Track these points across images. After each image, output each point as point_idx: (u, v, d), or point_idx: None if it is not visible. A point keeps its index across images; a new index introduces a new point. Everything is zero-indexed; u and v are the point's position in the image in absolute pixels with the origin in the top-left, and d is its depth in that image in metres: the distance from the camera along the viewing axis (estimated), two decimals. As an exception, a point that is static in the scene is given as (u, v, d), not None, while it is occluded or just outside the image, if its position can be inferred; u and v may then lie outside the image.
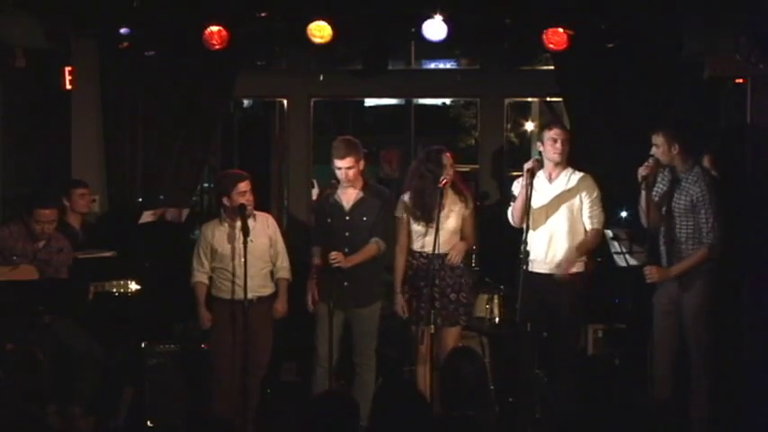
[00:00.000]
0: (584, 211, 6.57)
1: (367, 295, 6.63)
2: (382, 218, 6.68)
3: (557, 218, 6.54)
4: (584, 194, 6.57)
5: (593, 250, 6.66)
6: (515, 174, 6.85)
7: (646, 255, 6.43)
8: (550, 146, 6.52)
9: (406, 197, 6.64)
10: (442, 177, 6.44)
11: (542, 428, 6.57)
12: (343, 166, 6.55)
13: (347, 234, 6.58)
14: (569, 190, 6.57)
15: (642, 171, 6.28)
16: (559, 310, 6.54)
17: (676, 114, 7.58)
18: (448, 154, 6.55)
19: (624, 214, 7.46)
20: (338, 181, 6.68)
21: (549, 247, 6.54)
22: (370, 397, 6.49)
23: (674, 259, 6.32)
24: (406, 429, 4.22)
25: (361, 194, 6.62)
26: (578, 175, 6.66)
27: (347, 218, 6.60)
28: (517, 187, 6.65)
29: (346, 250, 6.49)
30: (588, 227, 6.59)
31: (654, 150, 6.32)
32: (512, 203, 6.65)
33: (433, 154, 6.56)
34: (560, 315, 6.55)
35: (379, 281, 6.76)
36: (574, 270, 6.57)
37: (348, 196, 6.65)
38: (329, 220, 6.61)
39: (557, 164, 6.58)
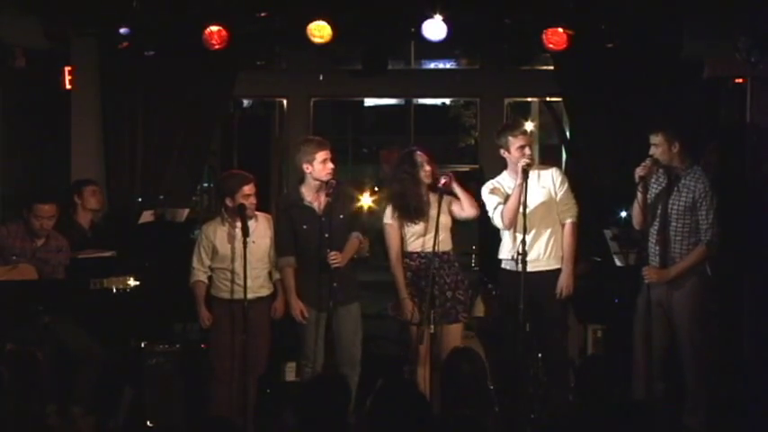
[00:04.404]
0: (559, 205, 6.55)
1: (351, 292, 6.60)
2: (356, 211, 6.67)
3: (536, 217, 6.49)
4: (556, 188, 6.55)
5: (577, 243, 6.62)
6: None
7: (639, 254, 6.43)
8: (519, 153, 6.43)
9: (389, 203, 6.59)
10: (443, 177, 6.45)
11: (540, 428, 6.57)
12: (328, 157, 6.51)
13: (327, 235, 6.45)
14: (542, 187, 6.55)
15: (639, 172, 6.27)
16: (546, 307, 6.53)
17: (676, 114, 7.59)
18: (420, 152, 6.54)
19: (624, 214, 7.47)
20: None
21: (531, 246, 6.48)
22: (353, 396, 6.53)
23: (668, 260, 6.32)
24: (405, 429, 4.22)
25: (330, 191, 6.46)
26: (547, 170, 6.63)
27: (322, 219, 6.49)
28: (492, 188, 6.63)
29: (329, 251, 6.46)
30: (564, 221, 6.55)
31: (653, 150, 6.31)
32: (492, 205, 6.61)
33: (406, 156, 6.57)
34: (547, 313, 6.54)
35: (357, 277, 6.75)
36: (557, 267, 6.56)
37: (315, 197, 6.53)
38: (305, 227, 6.52)
39: None
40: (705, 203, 6.22)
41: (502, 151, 6.55)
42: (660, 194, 6.38)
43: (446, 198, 6.47)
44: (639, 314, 6.37)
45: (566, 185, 6.58)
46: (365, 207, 6.71)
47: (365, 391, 4.50)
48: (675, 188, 6.31)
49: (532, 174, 6.53)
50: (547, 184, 6.56)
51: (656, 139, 6.31)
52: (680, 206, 6.28)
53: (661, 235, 6.34)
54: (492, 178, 6.82)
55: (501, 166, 6.68)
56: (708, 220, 6.22)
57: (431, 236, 6.41)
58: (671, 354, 6.35)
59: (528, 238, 6.41)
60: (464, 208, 6.52)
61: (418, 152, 6.54)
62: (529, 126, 14.92)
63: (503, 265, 6.63)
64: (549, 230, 6.54)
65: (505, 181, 6.61)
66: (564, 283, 6.51)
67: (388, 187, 6.67)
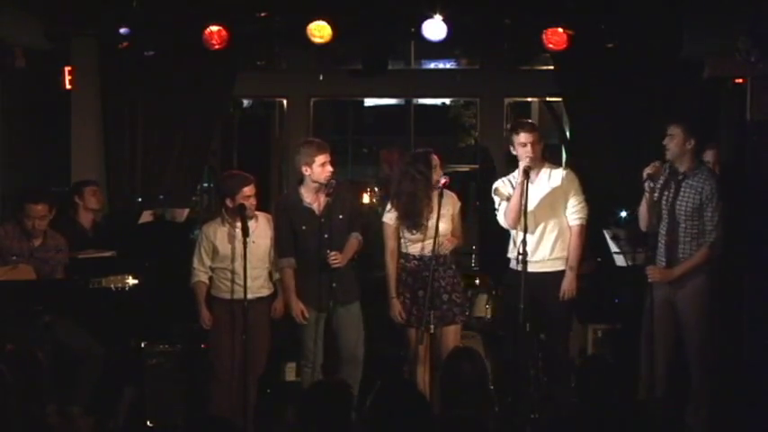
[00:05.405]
0: (569, 206, 6.54)
1: (352, 292, 6.60)
2: (356, 211, 6.67)
3: (544, 217, 6.49)
4: (567, 190, 6.53)
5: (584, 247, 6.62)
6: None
7: (646, 254, 6.42)
8: (521, 150, 6.43)
9: (395, 202, 6.54)
10: (442, 178, 6.44)
11: (541, 428, 6.57)
12: (328, 160, 6.48)
13: (326, 236, 6.44)
14: (552, 187, 6.53)
15: (648, 170, 6.24)
16: (550, 308, 6.52)
17: (675, 113, 7.58)
18: (435, 155, 6.52)
19: (624, 214, 7.47)
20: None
21: (537, 246, 6.49)
22: (356, 393, 6.53)
23: (674, 260, 6.31)
24: (405, 429, 4.22)
25: (329, 191, 6.44)
26: (558, 170, 6.61)
27: (322, 220, 6.47)
28: (502, 187, 6.62)
29: (328, 251, 6.44)
30: (572, 223, 6.53)
31: (667, 141, 6.27)
32: (499, 205, 6.60)
33: (420, 156, 6.50)
34: (551, 314, 6.54)
35: (358, 277, 6.74)
36: (562, 268, 6.54)
37: (315, 198, 6.51)
38: (304, 227, 6.51)
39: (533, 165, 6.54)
40: (711, 205, 6.21)
41: (512, 149, 6.56)
42: (666, 195, 6.37)
43: (446, 202, 6.45)
44: (646, 315, 6.37)
45: (577, 187, 6.55)
46: (364, 207, 6.68)
47: (365, 391, 4.49)
48: (681, 188, 6.30)
49: (543, 173, 6.53)
50: (556, 184, 6.54)
51: (674, 130, 6.26)
52: (687, 207, 6.26)
53: (670, 236, 6.32)
54: (491, 178, 6.82)
55: (500, 165, 6.69)
56: (713, 222, 6.21)
57: (430, 240, 6.39)
58: (677, 353, 6.35)
59: (533, 238, 6.42)
60: (455, 236, 6.55)
61: (433, 154, 6.50)
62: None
63: (510, 265, 6.62)
64: (555, 232, 6.52)
65: (515, 178, 6.59)
66: (567, 287, 6.49)
67: (396, 186, 6.57)
